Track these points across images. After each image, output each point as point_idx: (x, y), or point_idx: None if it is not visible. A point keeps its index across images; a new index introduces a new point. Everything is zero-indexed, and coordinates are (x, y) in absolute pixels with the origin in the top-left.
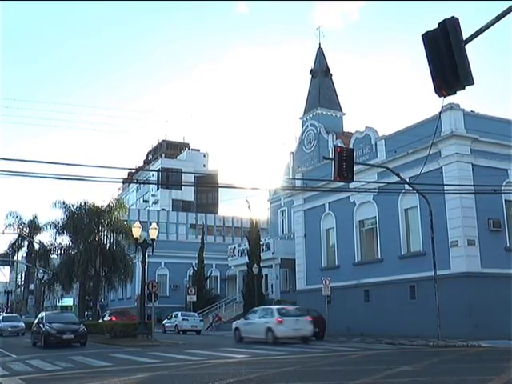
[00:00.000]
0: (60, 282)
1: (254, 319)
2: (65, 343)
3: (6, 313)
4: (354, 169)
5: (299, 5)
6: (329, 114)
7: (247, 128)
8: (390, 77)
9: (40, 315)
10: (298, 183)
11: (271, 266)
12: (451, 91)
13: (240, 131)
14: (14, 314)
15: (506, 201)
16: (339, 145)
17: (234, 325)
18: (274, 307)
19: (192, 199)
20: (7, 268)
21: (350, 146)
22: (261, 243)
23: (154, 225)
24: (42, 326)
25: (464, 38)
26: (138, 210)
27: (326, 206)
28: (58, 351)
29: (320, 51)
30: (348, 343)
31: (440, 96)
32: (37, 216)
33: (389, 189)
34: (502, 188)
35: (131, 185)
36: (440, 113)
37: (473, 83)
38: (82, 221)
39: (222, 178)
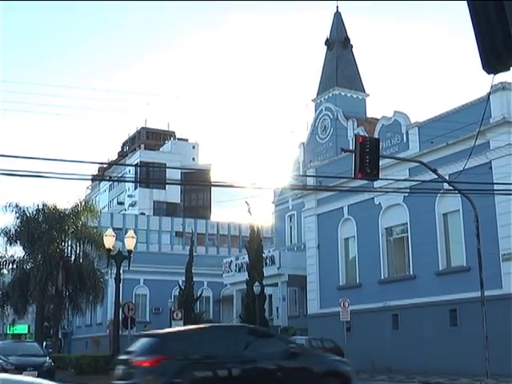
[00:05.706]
0: (12, 303)
1: None
2: None
3: None
4: (380, 163)
5: None
6: (348, 95)
7: (247, 113)
8: (425, 49)
9: None
10: (310, 181)
11: (276, 285)
12: (503, 67)
13: (238, 117)
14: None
15: None
16: (361, 133)
17: None
18: None
19: (178, 201)
20: None
21: (375, 135)
22: (264, 256)
23: (130, 233)
24: None
25: None
26: (111, 214)
27: (345, 209)
28: None
29: (338, 16)
30: (372, 381)
31: (489, 73)
32: None
33: (423, 188)
34: None
35: (103, 183)
36: (489, 94)
37: None
38: (40, 228)
39: (215, 175)
